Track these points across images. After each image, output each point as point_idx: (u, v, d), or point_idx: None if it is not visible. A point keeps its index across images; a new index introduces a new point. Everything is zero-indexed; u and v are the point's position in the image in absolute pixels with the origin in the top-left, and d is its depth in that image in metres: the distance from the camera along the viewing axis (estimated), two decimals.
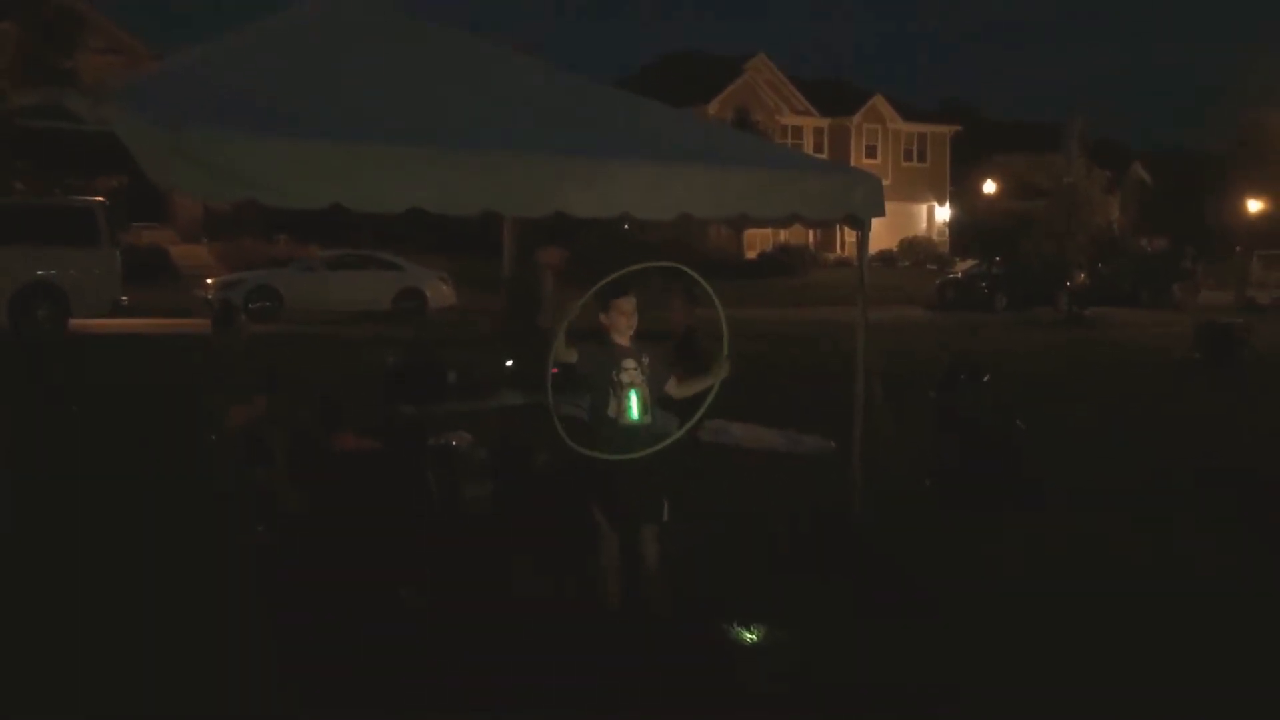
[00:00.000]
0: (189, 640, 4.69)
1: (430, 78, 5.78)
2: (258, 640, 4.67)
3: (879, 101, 51.98)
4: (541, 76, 6.46)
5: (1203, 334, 17.41)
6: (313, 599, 5.08)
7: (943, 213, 53.52)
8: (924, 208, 53.06)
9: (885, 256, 44.81)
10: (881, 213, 6.38)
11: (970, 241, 47.17)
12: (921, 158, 53.47)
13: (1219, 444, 9.82)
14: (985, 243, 42.63)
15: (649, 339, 5.11)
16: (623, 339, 4.98)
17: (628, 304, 4.95)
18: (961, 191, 53.01)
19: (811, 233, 42.45)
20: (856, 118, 51.12)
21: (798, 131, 49.87)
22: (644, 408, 4.93)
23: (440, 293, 24.61)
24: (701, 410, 5.00)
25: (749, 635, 4.96)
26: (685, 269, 5.25)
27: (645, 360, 4.98)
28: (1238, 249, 35.16)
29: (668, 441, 4.88)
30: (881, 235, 41.83)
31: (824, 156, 43.65)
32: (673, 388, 5.06)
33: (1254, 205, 48.79)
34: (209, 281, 24.42)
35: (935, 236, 52.60)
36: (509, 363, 7.21)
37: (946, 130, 54.34)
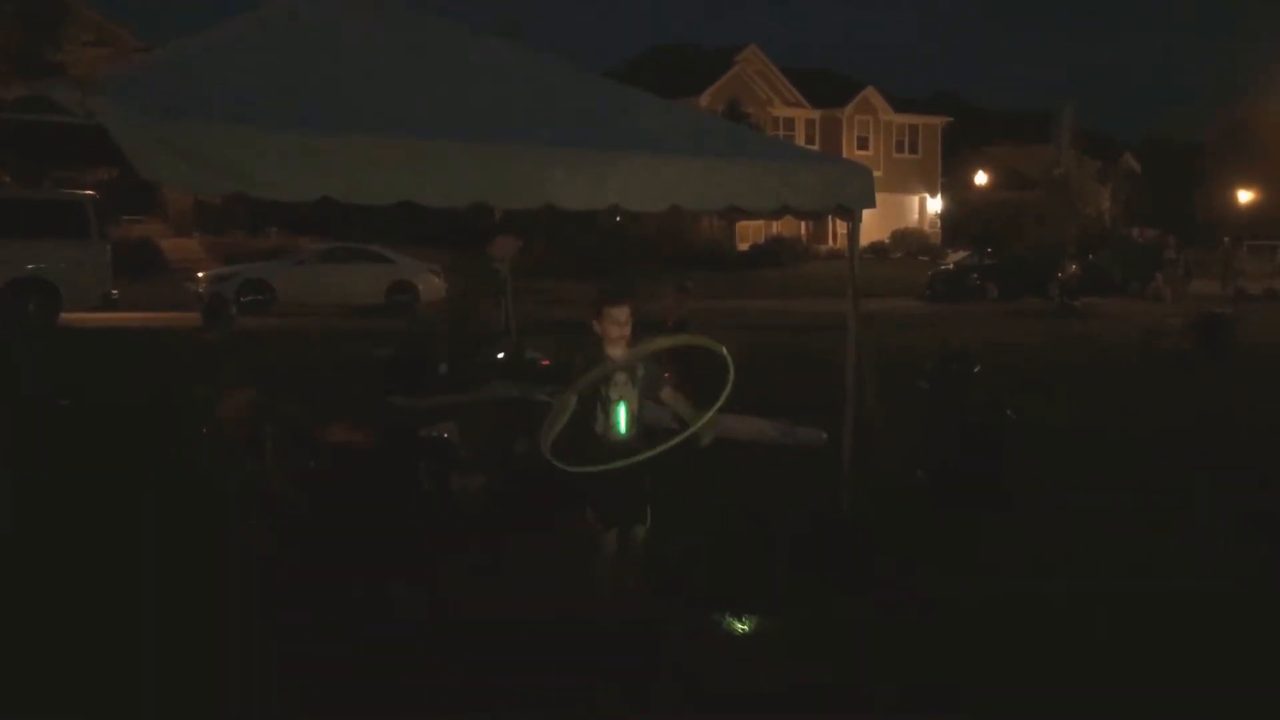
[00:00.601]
0: (184, 638, 4.68)
1: (420, 68, 5.76)
2: (254, 638, 4.65)
3: (870, 93, 51.98)
4: (532, 67, 6.44)
5: (1194, 324, 17.46)
6: (307, 595, 5.08)
7: (934, 204, 53.56)
8: (916, 199, 53.10)
9: (877, 248, 44.85)
10: (873, 204, 6.38)
11: (962, 233, 47.25)
12: (913, 149, 53.50)
13: (1210, 435, 9.84)
14: (977, 234, 42.73)
15: (640, 329, 5.06)
16: (614, 349, 4.86)
17: (621, 313, 4.84)
18: (953, 182, 53.08)
19: (803, 224, 42.43)
20: (848, 109, 51.12)
21: (789, 123, 49.86)
22: (631, 422, 4.84)
23: (432, 285, 24.58)
24: (697, 425, 4.82)
25: (741, 628, 4.98)
26: (707, 342, 4.88)
27: (639, 372, 4.86)
28: (1225, 239, 35.23)
29: (666, 446, 4.74)
30: (873, 227, 41.87)
31: (815, 148, 43.66)
32: (667, 395, 4.97)
33: (1244, 196, 48.91)
34: (200, 275, 24.36)
35: (927, 228, 52.66)
36: (500, 355, 7.20)
37: (938, 121, 54.38)
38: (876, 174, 6.85)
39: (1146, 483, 7.75)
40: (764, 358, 13.89)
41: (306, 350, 14.13)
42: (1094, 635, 5.02)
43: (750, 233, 43.82)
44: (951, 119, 54.77)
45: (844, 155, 40.11)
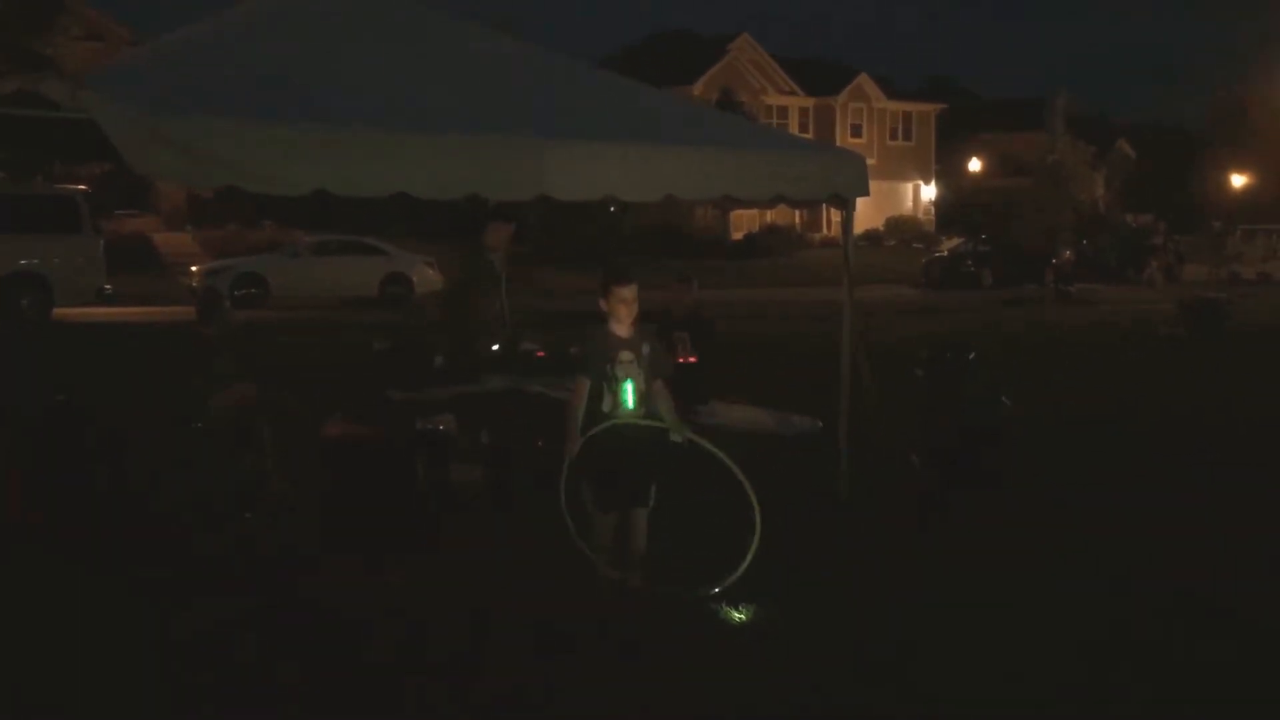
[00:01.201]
0: (180, 636, 4.67)
1: (413, 60, 5.75)
2: (251, 637, 4.64)
3: (864, 80, 51.89)
4: (525, 58, 6.43)
5: (1187, 309, 17.50)
6: (305, 591, 5.08)
7: (928, 191, 53.52)
8: (910, 186, 53.06)
9: (871, 236, 44.83)
10: (866, 192, 6.38)
11: (956, 219, 47.23)
12: (907, 136, 53.43)
13: (1202, 420, 9.86)
14: (971, 221, 42.72)
15: (647, 318, 5.09)
16: (621, 328, 4.91)
17: (629, 291, 4.87)
18: (947, 169, 53.03)
19: (798, 213, 42.41)
20: (841, 97, 51.04)
21: (783, 111, 49.76)
22: (639, 399, 4.89)
23: (426, 278, 24.54)
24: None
25: (740, 616, 4.99)
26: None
27: (645, 350, 4.92)
28: (1215, 224, 35.26)
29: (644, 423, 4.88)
30: (867, 214, 41.83)
31: (809, 136, 43.61)
32: (659, 388, 5.00)
33: (1238, 181, 48.92)
34: (194, 269, 24.31)
35: (921, 215, 52.63)
36: (495, 347, 7.19)
37: (931, 108, 54.29)
38: (870, 162, 6.85)
39: (1139, 470, 7.78)
40: (760, 347, 13.90)
41: (302, 344, 14.11)
42: (1085, 627, 5.03)
43: (744, 222, 43.76)
44: (945, 105, 54.70)
45: (838, 143, 40.04)
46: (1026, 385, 9.90)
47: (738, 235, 42.11)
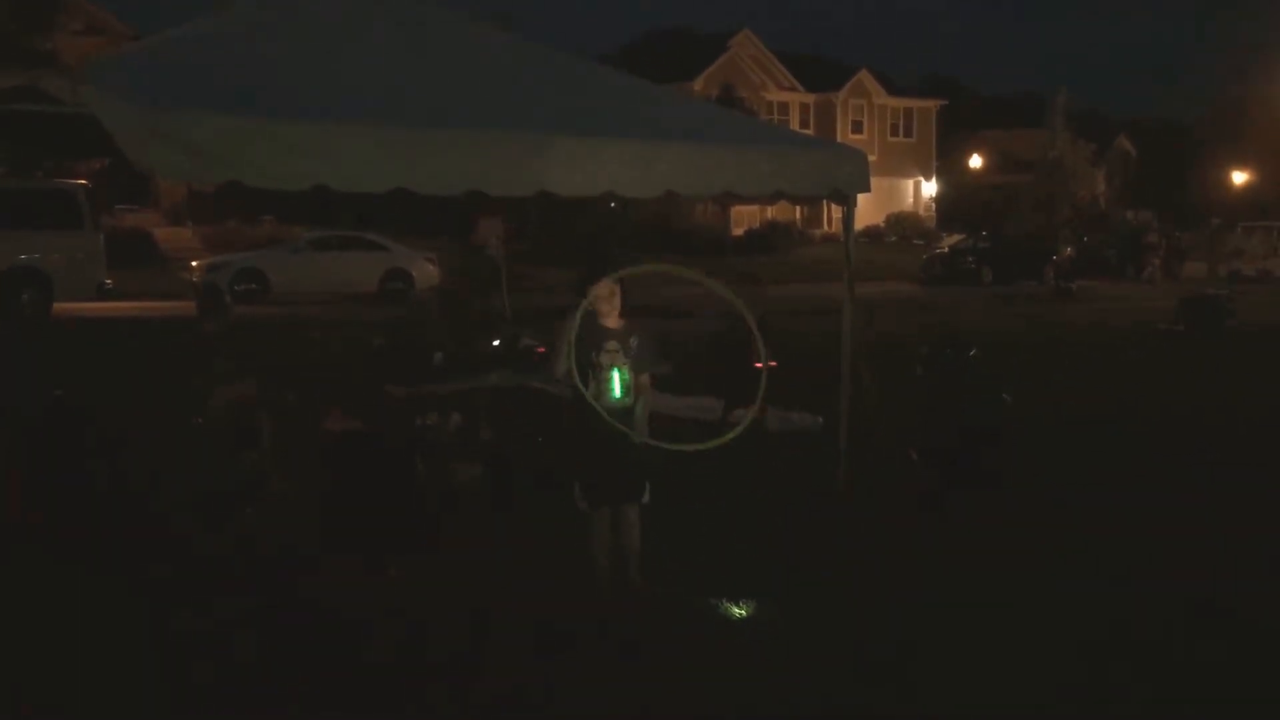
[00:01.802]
0: (177, 634, 4.66)
1: (414, 56, 5.74)
2: (251, 636, 4.64)
3: (864, 76, 51.84)
4: (526, 54, 6.42)
5: (1186, 306, 17.48)
6: (305, 591, 5.07)
7: (929, 188, 53.47)
8: (910, 183, 53.01)
9: (872, 232, 44.77)
10: (867, 188, 6.37)
11: (957, 216, 47.19)
12: (907, 133, 53.37)
13: (1202, 420, 9.86)
14: (972, 217, 42.68)
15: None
16: (608, 320, 5.01)
17: (603, 289, 5.00)
18: (948, 166, 52.98)
19: (798, 209, 42.35)
20: (842, 93, 50.98)
21: (783, 107, 49.72)
22: (625, 388, 4.93)
23: (427, 274, 24.49)
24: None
25: (739, 612, 4.99)
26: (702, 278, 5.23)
27: (633, 341, 4.99)
28: (1213, 221, 35.21)
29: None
30: (868, 211, 41.68)
31: (810, 132, 43.53)
32: (644, 383, 5.05)
33: (1238, 178, 48.86)
34: (194, 264, 24.25)
35: (922, 212, 52.58)
36: (495, 342, 7.19)
37: (932, 105, 54.24)
38: (871, 158, 6.84)
39: (1139, 470, 7.77)
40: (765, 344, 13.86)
41: (302, 340, 14.09)
42: (1084, 625, 5.02)
43: (745, 218, 43.71)
44: (946, 102, 54.64)
45: (838, 139, 40.00)
46: (1026, 383, 9.89)
47: (738, 231, 42.07)
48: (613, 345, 4.95)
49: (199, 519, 5.91)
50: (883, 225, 47.76)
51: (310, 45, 5.46)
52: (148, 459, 6.63)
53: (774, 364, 6.14)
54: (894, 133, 52.80)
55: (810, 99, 50.78)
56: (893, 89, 53.12)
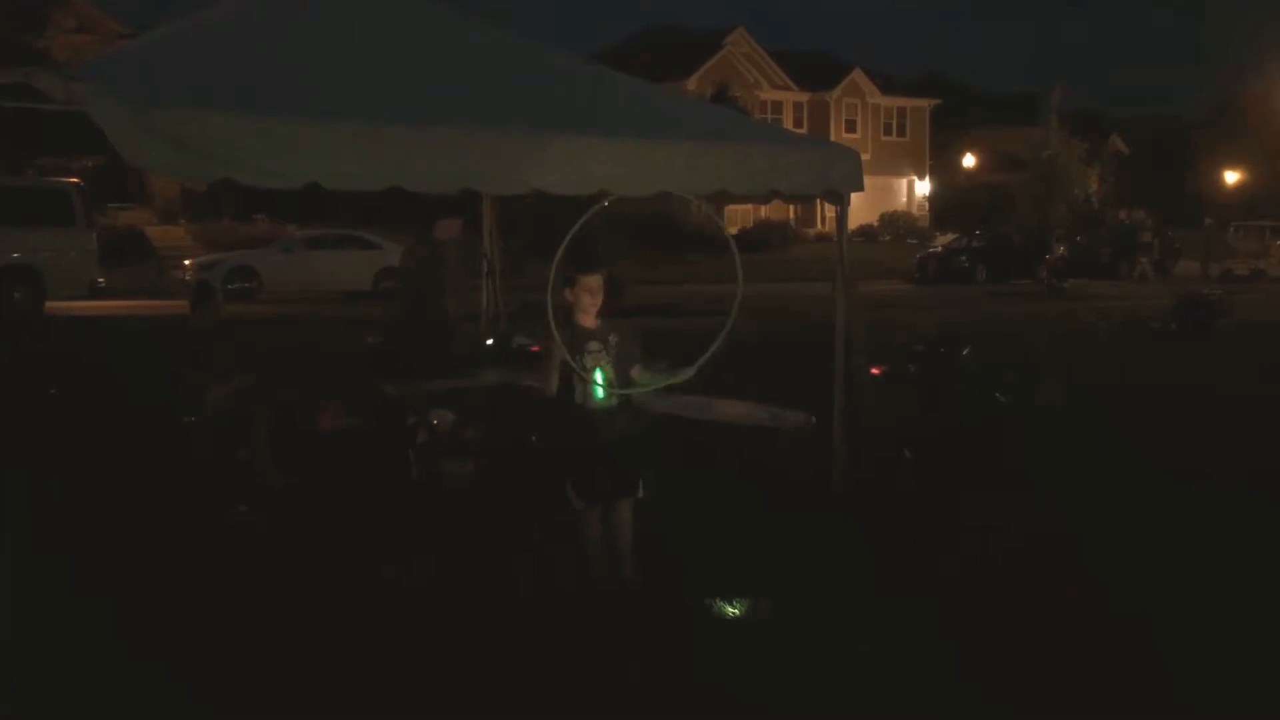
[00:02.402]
0: (175, 633, 4.65)
1: (407, 53, 5.74)
2: (249, 633, 4.63)
3: (858, 75, 51.89)
4: (520, 52, 6.42)
5: (1180, 305, 17.53)
6: (299, 585, 5.07)
7: (923, 186, 53.55)
8: (904, 182, 53.07)
9: (865, 231, 44.82)
10: (860, 187, 6.38)
11: (950, 215, 47.26)
12: (901, 131, 53.44)
13: (1201, 419, 9.88)
14: (965, 216, 42.76)
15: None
16: (586, 318, 4.88)
17: (594, 281, 4.83)
18: (941, 165, 53.05)
19: (792, 208, 42.43)
20: (836, 92, 51.03)
21: (777, 106, 49.77)
22: (608, 388, 4.87)
23: None
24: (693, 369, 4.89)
25: (733, 610, 5.00)
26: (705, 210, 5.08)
27: (612, 339, 4.89)
28: (1206, 220, 35.31)
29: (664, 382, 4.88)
30: (862, 210, 41.83)
31: (804, 131, 43.57)
32: (637, 373, 4.97)
33: (1231, 177, 48.97)
34: (187, 262, 24.23)
35: (915, 210, 52.65)
36: (489, 341, 7.19)
37: (926, 104, 54.31)
38: (864, 157, 6.85)
39: (1137, 470, 7.78)
40: (754, 341, 13.89)
41: (296, 337, 14.08)
42: (1083, 624, 5.04)
43: (738, 217, 43.73)
44: (939, 101, 54.70)
45: (832, 138, 40.01)
46: (1021, 380, 9.90)
47: (732, 230, 42.08)
48: (594, 346, 4.84)
49: (193, 515, 5.91)
50: (876, 224, 47.81)
51: (303, 42, 5.46)
52: (141, 455, 6.63)
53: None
54: (888, 132, 52.86)
55: (804, 98, 50.82)
56: (886, 88, 53.18)
